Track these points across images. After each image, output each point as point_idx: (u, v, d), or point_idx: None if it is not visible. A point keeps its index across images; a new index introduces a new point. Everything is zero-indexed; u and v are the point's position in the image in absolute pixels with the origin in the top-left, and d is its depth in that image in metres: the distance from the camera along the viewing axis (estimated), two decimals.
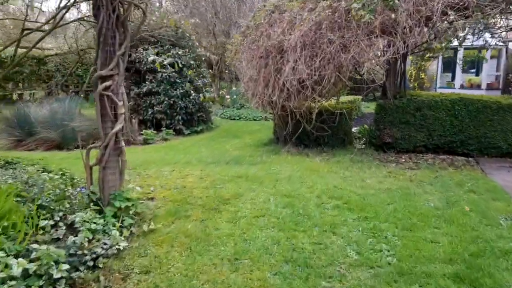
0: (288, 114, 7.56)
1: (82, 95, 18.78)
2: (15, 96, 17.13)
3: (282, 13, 7.26)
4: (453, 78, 18.20)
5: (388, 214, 4.09)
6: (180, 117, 10.38)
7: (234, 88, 16.79)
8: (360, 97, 13.68)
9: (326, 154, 7.32)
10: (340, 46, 6.24)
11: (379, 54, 6.35)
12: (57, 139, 8.58)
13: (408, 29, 5.52)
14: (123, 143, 3.69)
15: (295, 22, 6.69)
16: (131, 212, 3.83)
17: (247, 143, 8.94)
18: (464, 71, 17.98)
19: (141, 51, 10.41)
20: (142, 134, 9.73)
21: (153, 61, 10.19)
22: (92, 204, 3.72)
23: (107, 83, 3.42)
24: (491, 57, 15.99)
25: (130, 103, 10.57)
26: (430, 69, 18.54)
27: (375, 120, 7.45)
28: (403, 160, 6.61)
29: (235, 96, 15.57)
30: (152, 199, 4.42)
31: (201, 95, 10.94)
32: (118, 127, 3.53)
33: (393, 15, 5.44)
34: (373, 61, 5.94)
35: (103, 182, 3.72)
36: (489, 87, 16.24)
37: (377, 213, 4.11)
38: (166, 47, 10.77)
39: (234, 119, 14.34)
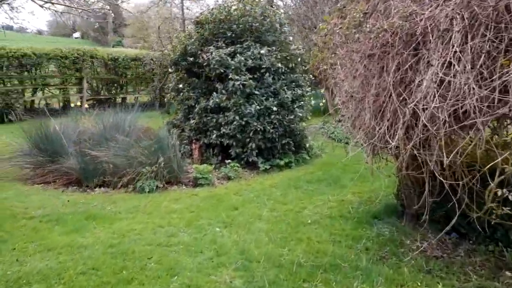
0: (426, 174, 3.58)
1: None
2: (118, 99, 16.41)
3: None
4: None
5: None
6: (254, 145, 7.12)
7: None
8: None
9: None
10: None
11: None
12: (78, 171, 6.24)
13: None
14: None
15: None
16: None
17: (346, 204, 5.17)
18: None
19: (211, 51, 7.49)
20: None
21: (221, 63, 7.18)
22: None
23: None
24: None
25: (193, 121, 7.79)
26: None
27: None
28: None
29: None
30: None
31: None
32: None
33: None
34: None
35: None
36: None
37: None
38: (246, 43, 7.62)
39: (347, 142, 10.47)
